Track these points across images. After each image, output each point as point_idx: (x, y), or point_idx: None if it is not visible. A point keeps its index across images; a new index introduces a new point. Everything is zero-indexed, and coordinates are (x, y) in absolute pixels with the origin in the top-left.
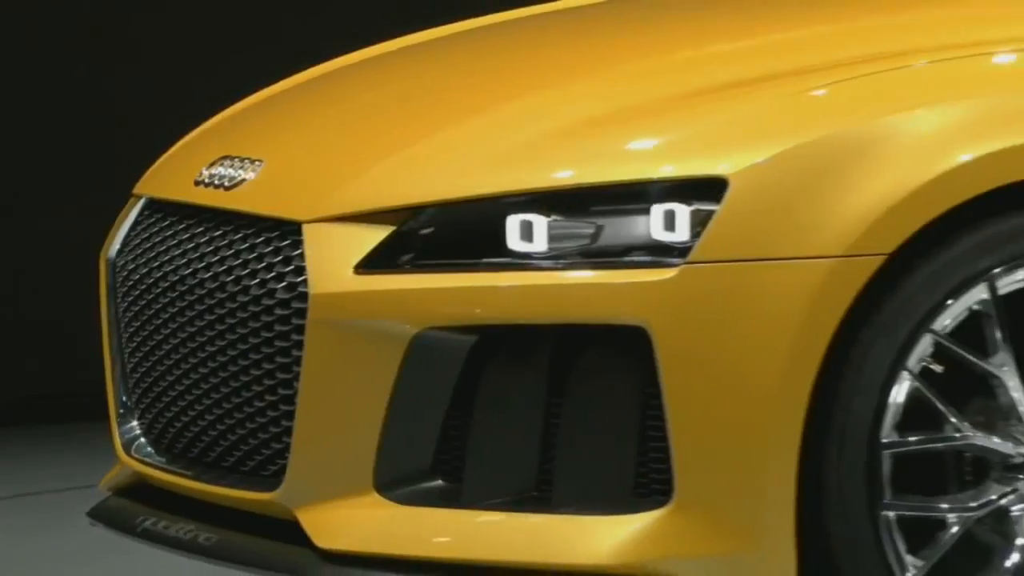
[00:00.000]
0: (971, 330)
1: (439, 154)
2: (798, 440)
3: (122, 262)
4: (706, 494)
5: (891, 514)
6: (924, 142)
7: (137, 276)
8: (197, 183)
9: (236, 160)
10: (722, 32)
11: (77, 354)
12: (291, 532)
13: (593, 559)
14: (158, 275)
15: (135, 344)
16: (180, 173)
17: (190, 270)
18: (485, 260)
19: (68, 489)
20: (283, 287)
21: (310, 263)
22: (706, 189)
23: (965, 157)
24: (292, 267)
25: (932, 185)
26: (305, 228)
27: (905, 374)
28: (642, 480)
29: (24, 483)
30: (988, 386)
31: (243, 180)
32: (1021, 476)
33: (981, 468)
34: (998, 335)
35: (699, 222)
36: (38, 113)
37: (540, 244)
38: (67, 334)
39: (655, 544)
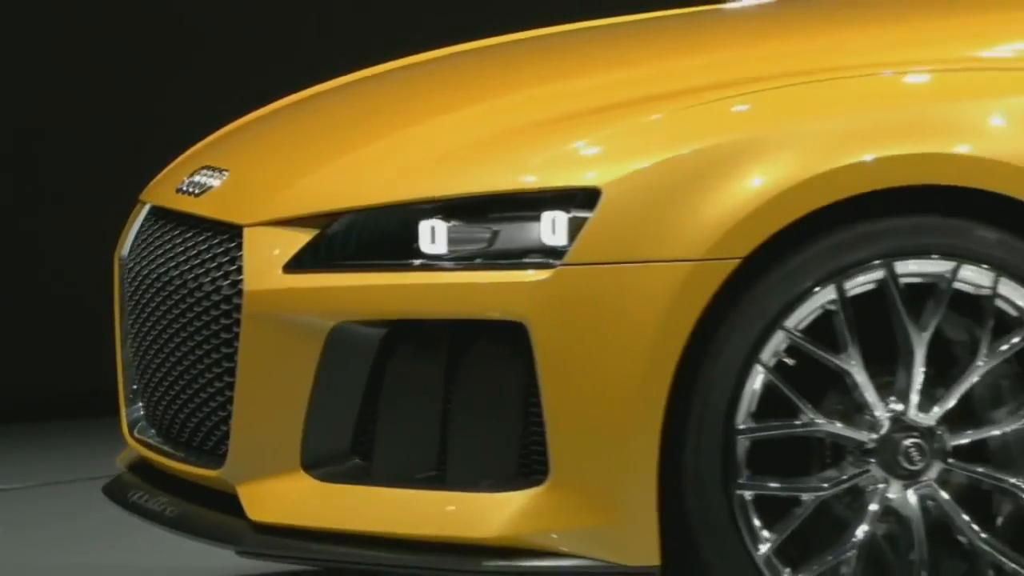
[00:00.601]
0: (825, 328)
1: (363, 164)
2: (660, 425)
3: (130, 262)
4: (578, 474)
5: (746, 493)
6: (775, 158)
7: (136, 274)
8: (178, 191)
9: (210, 170)
10: (610, 62)
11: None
12: (239, 506)
13: (480, 533)
14: (147, 273)
15: (135, 334)
16: (170, 181)
17: (166, 269)
18: (394, 261)
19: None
20: (227, 284)
21: (246, 263)
22: (581, 198)
23: (813, 172)
24: (236, 266)
25: (783, 196)
26: (245, 231)
27: (759, 367)
28: (525, 461)
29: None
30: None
31: (210, 188)
32: (873, 460)
33: (840, 452)
34: (846, 333)
35: (575, 228)
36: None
37: (442, 247)
38: (99, 332)
39: (533, 519)
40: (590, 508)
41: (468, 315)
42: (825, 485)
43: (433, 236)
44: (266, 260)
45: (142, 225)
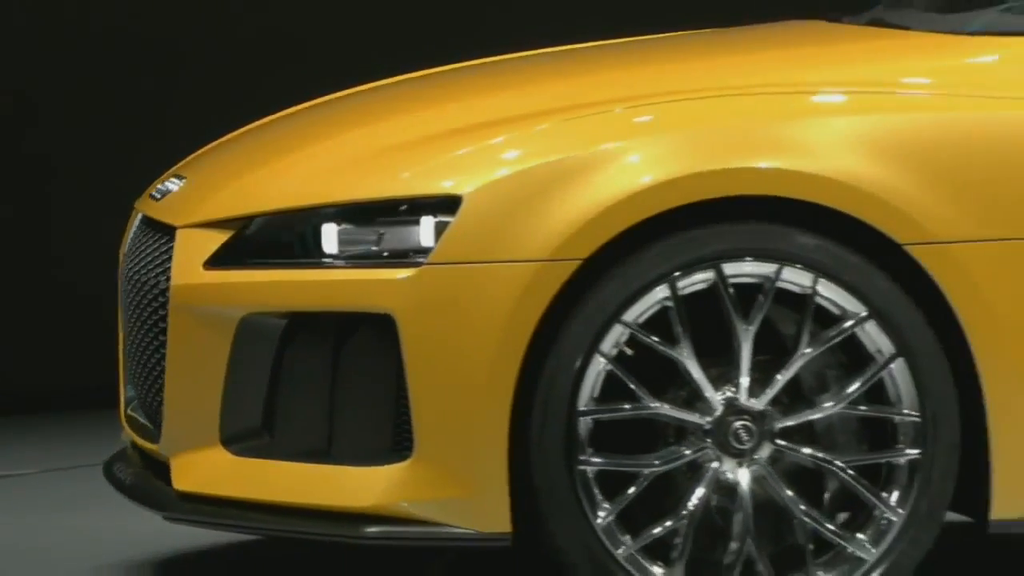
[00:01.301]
0: (663, 323)
1: (277, 174)
2: (509, 407)
3: (123, 263)
4: (439, 450)
5: (588, 469)
6: (615, 171)
7: (124, 273)
8: (151, 196)
9: (176, 178)
10: (489, 88)
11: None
12: None
13: (357, 502)
14: (128, 272)
15: (126, 327)
16: (152, 188)
17: (138, 267)
18: (294, 259)
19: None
20: (165, 279)
21: (175, 260)
22: (445, 205)
23: (648, 181)
24: (172, 263)
25: (619, 204)
26: (178, 232)
27: (599, 357)
28: (398, 439)
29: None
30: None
31: (168, 193)
32: (709, 440)
33: (683, 433)
34: (679, 327)
35: (440, 231)
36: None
37: (333, 247)
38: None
39: (401, 491)
40: (450, 481)
41: (346, 308)
42: (657, 462)
43: (327, 238)
44: (191, 257)
45: (134, 229)
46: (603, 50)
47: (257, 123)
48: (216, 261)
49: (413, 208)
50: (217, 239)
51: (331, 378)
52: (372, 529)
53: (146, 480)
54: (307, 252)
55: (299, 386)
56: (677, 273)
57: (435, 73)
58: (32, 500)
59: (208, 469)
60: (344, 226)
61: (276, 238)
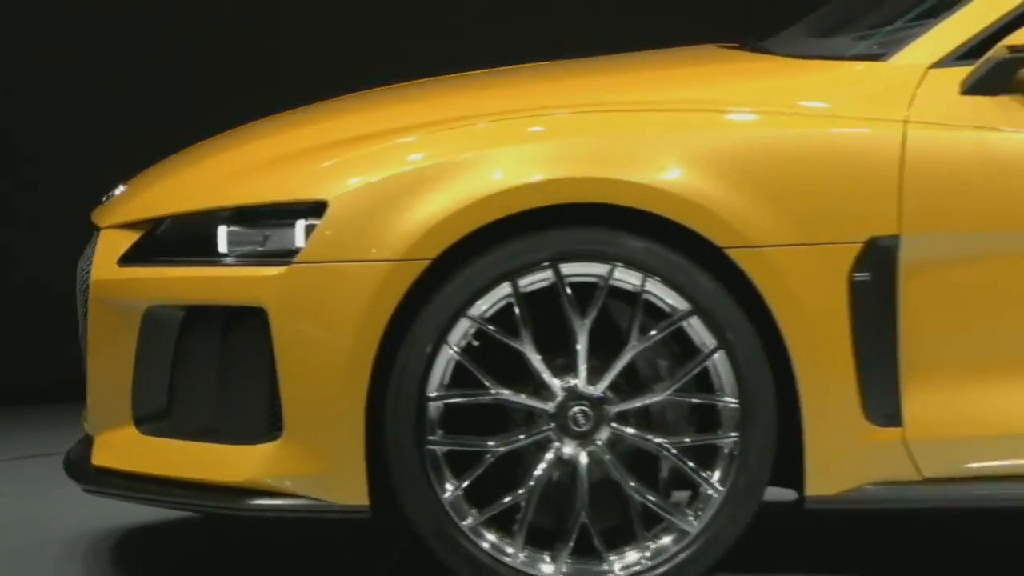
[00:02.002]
0: (509, 318)
1: (186, 180)
2: (365, 392)
3: (80, 261)
4: (304, 430)
5: (438, 448)
6: (464, 178)
7: (79, 269)
8: (102, 201)
9: (122, 185)
10: (385, 103)
11: None
12: None
13: (234, 477)
14: (79, 267)
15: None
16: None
17: (83, 263)
18: (192, 257)
19: None
20: (89, 275)
21: (95, 257)
22: (315, 209)
23: (491, 190)
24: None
25: (464, 210)
26: (101, 232)
27: (447, 348)
28: (274, 420)
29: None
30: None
31: (110, 197)
32: (552, 424)
33: (531, 416)
34: (520, 322)
35: (309, 233)
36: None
37: (224, 247)
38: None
39: (271, 466)
40: (314, 459)
41: (229, 302)
42: (499, 443)
43: (219, 238)
44: (109, 255)
45: None
46: (514, 71)
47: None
48: (128, 258)
49: (289, 212)
50: (131, 238)
51: (218, 365)
52: (251, 502)
53: (82, 458)
54: (203, 251)
55: (193, 372)
56: (518, 272)
57: (381, 89)
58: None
59: (121, 447)
60: (233, 228)
61: (178, 238)
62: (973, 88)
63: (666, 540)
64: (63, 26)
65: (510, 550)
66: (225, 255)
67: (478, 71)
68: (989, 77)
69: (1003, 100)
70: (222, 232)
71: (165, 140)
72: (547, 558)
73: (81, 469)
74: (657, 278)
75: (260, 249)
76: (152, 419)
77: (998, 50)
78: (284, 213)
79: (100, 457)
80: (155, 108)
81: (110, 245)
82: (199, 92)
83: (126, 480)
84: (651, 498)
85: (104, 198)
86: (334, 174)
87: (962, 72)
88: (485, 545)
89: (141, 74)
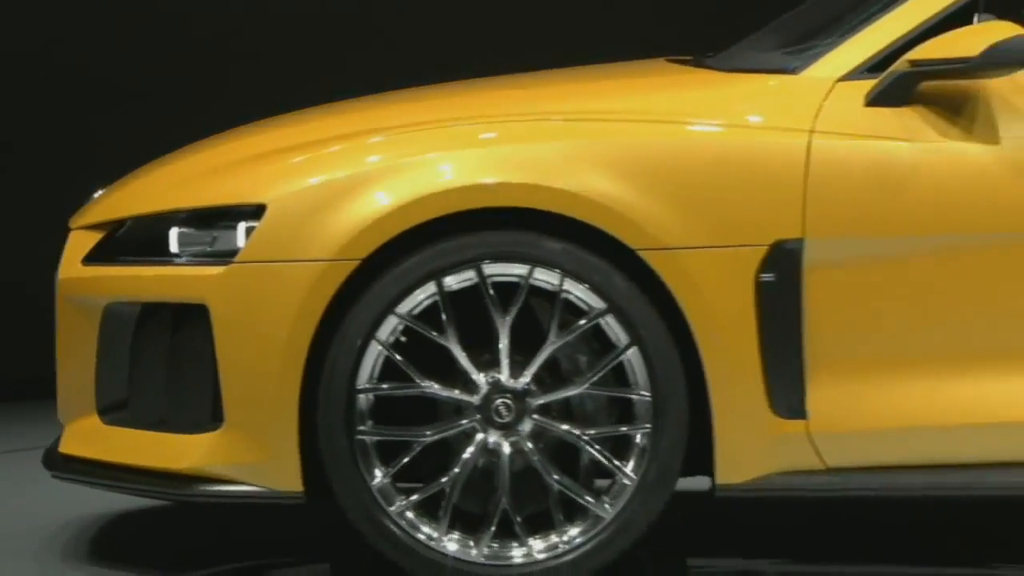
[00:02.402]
0: (436, 315)
1: (147, 184)
2: (298, 385)
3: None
4: (243, 421)
5: (367, 438)
6: (392, 183)
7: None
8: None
9: (101, 189)
10: (337, 112)
11: None
12: None
13: (180, 465)
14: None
15: None
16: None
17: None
18: (147, 257)
19: None
20: (59, 273)
21: (64, 256)
22: (255, 212)
23: (416, 194)
24: None
25: (391, 214)
26: (71, 233)
27: (376, 343)
28: (216, 411)
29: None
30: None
31: (89, 200)
32: (478, 415)
33: (459, 408)
34: (444, 319)
35: (248, 234)
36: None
37: (176, 247)
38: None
39: (212, 455)
40: (252, 447)
41: (175, 299)
42: (429, 433)
43: (171, 239)
44: (75, 254)
45: None
46: (464, 83)
47: None
48: (91, 257)
49: (232, 215)
50: (96, 239)
51: (168, 359)
52: (196, 488)
53: (54, 446)
54: (158, 251)
55: (147, 365)
56: (443, 272)
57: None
58: None
59: (86, 435)
60: (184, 229)
61: (137, 239)
62: (876, 100)
63: (583, 525)
64: (31, 28)
65: (435, 534)
66: (177, 255)
67: (433, 84)
68: (890, 90)
69: (904, 111)
70: (174, 233)
71: (149, 143)
72: (471, 541)
73: (51, 457)
74: (574, 278)
75: (208, 249)
76: (113, 410)
77: (900, 64)
78: (229, 215)
79: (67, 445)
80: (137, 110)
81: (77, 245)
82: (180, 97)
83: (88, 467)
84: (568, 486)
85: (89, 200)
86: (273, 179)
87: (867, 85)
88: (417, 533)
89: (120, 75)
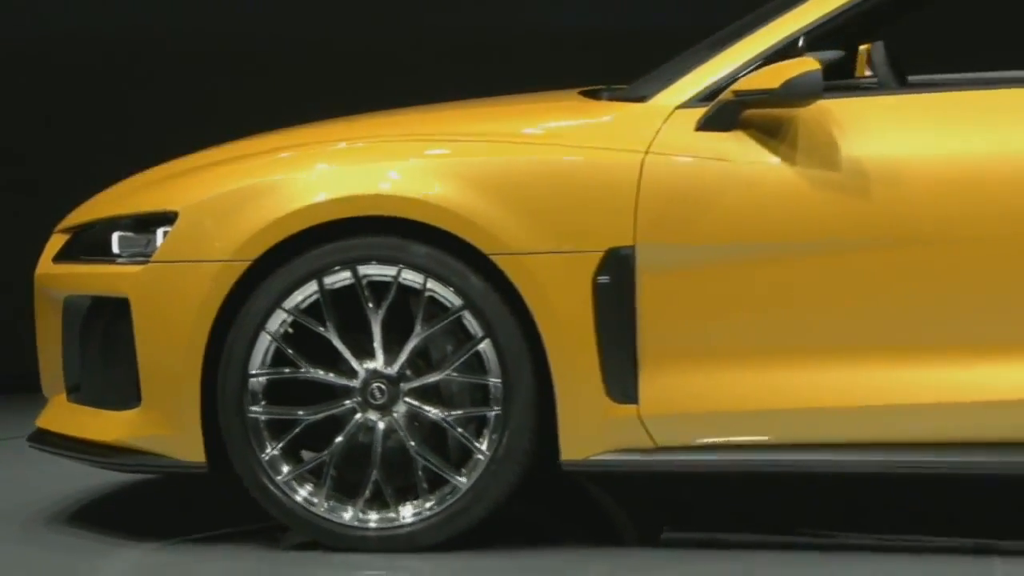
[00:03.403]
0: (319, 309)
1: (111, 192)
2: (200, 368)
3: None
4: (155, 399)
5: (260, 416)
6: (282, 194)
7: None
8: None
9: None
10: (279, 133)
11: None
12: None
13: (108, 437)
14: None
15: None
16: None
17: None
18: (97, 256)
19: None
20: (36, 270)
21: (42, 256)
22: (169, 217)
23: (300, 204)
24: None
25: (279, 220)
26: (53, 235)
27: (266, 334)
28: (138, 390)
29: None
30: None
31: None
32: (357, 397)
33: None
34: (325, 313)
35: (163, 237)
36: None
37: (116, 248)
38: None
39: (131, 429)
40: (163, 423)
41: (109, 294)
42: (311, 413)
43: (114, 242)
44: (49, 254)
45: None
46: (393, 111)
47: None
48: (58, 257)
49: (156, 220)
50: (63, 241)
51: (104, 345)
52: (121, 458)
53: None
54: (105, 251)
55: (92, 350)
56: (324, 272)
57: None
58: None
59: (55, 411)
60: (123, 233)
61: (94, 240)
62: (705, 125)
63: (444, 495)
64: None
65: (316, 500)
66: (119, 255)
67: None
68: (717, 116)
69: (729, 135)
70: (116, 237)
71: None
72: (348, 508)
73: (32, 431)
74: (437, 279)
75: (140, 250)
76: (73, 390)
77: (726, 94)
78: (154, 221)
79: (42, 419)
80: (146, 111)
81: (52, 246)
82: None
83: (53, 438)
84: (430, 459)
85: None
86: (187, 190)
87: (700, 112)
88: (297, 497)
89: (125, 75)
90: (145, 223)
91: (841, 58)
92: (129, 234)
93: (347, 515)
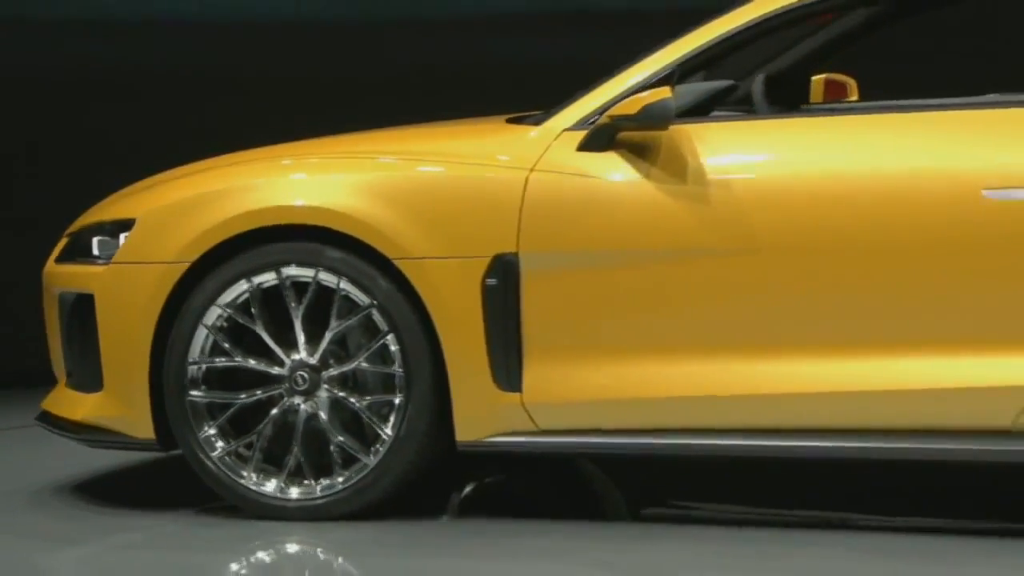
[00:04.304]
0: (251, 304)
1: (104, 202)
2: (148, 357)
3: None
4: (113, 383)
5: (197, 400)
6: (219, 204)
7: None
8: None
9: None
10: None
11: None
12: None
13: (79, 416)
14: None
15: None
16: None
17: None
18: (83, 258)
19: None
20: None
21: (50, 257)
22: (129, 224)
23: (231, 213)
24: None
25: (214, 227)
26: (62, 238)
27: (203, 327)
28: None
29: None
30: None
31: None
32: (285, 383)
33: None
34: (255, 309)
35: (124, 241)
36: None
37: (96, 251)
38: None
39: (95, 409)
40: (119, 404)
41: (81, 290)
42: (243, 397)
43: (94, 245)
44: (54, 255)
45: None
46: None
47: None
48: (58, 257)
49: (121, 226)
50: (65, 243)
51: (82, 336)
52: (90, 435)
53: None
54: (88, 253)
55: (75, 340)
56: (252, 273)
57: None
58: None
59: (57, 394)
60: (102, 238)
61: (81, 243)
62: (584, 146)
63: (354, 470)
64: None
65: (245, 473)
66: (97, 256)
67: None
68: (593, 138)
69: (605, 155)
70: (96, 241)
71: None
72: (272, 481)
73: (40, 413)
74: (349, 280)
75: (111, 253)
76: (68, 375)
77: (603, 118)
78: (120, 227)
79: (46, 402)
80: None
81: (59, 248)
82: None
83: (51, 418)
84: (344, 440)
85: None
86: (145, 199)
87: (581, 135)
88: (228, 471)
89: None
90: (115, 229)
91: (730, 87)
92: (106, 238)
93: (270, 487)
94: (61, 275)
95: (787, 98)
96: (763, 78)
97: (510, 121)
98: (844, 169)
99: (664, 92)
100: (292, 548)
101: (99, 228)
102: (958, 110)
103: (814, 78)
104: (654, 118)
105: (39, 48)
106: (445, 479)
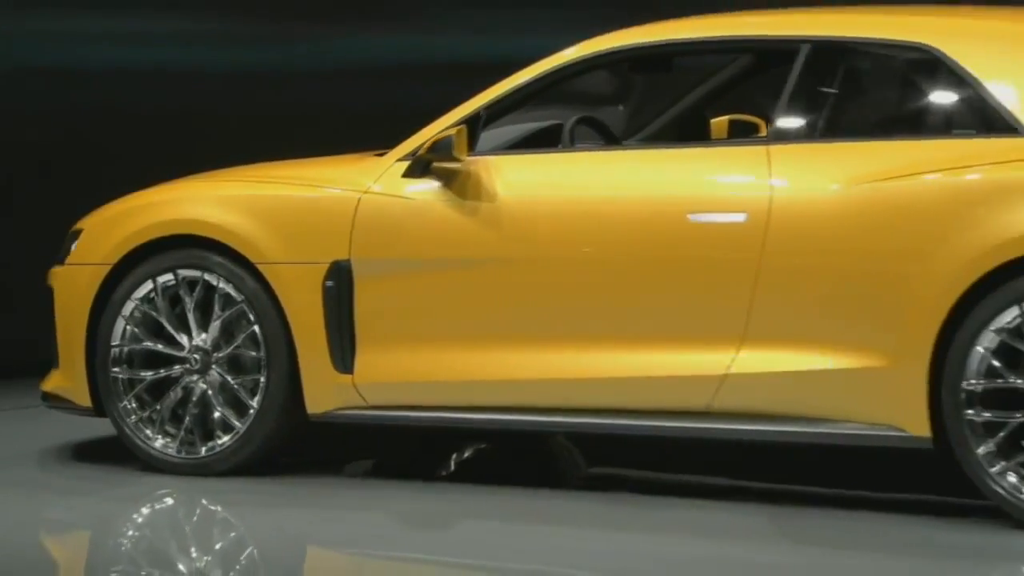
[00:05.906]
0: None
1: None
2: (84, 339)
3: None
4: (63, 360)
5: (118, 376)
6: (141, 215)
7: None
8: None
9: None
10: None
11: None
12: None
13: (46, 386)
14: None
15: None
16: None
17: None
18: (66, 259)
19: None
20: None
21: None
22: (79, 233)
23: (143, 225)
24: None
25: (133, 233)
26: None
27: (121, 318)
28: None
29: None
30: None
31: None
32: (186, 364)
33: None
34: (160, 303)
35: (74, 247)
36: None
37: (62, 255)
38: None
39: (55, 381)
40: (68, 378)
41: (51, 285)
42: (149, 374)
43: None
44: (62, 258)
45: None
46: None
47: None
48: (59, 261)
49: (76, 235)
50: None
51: (54, 324)
52: (54, 403)
53: None
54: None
55: (51, 327)
56: (156, 274)
57: None
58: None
59: (56, 375)
60: (72, 243)
61: (66, 247)
62: (407, 174)
63: (230, 435)
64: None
65: (151, 436)
66: (61, 259)
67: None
68: (414, 167)
69: (421, 180)
70: (73, 246)
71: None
72: (172, 442)
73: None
74: (226, 280)
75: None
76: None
77: (422, 150)
78: (76, 235)
79: (44, 383)
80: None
81: (67, 251)
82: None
83: (50, 396)
84: (222, 410)
85: None
86: (93, 214)
87: (407, 164)
88: (140, 434)
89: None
90: (73, 236)
91: (553, 126)
92: (69, 244)
93: (172, 448)
94: (54, 273)
95: (598, 136)
96: (575, 119)
97: (377, 154)
98: (594, 195)
99: (451, 131)
100: (184, 496)
101: (71, 236)
102: (689, 148)
103: (717, 119)
104: (441, 151)
105: None
106: (301, 447)
